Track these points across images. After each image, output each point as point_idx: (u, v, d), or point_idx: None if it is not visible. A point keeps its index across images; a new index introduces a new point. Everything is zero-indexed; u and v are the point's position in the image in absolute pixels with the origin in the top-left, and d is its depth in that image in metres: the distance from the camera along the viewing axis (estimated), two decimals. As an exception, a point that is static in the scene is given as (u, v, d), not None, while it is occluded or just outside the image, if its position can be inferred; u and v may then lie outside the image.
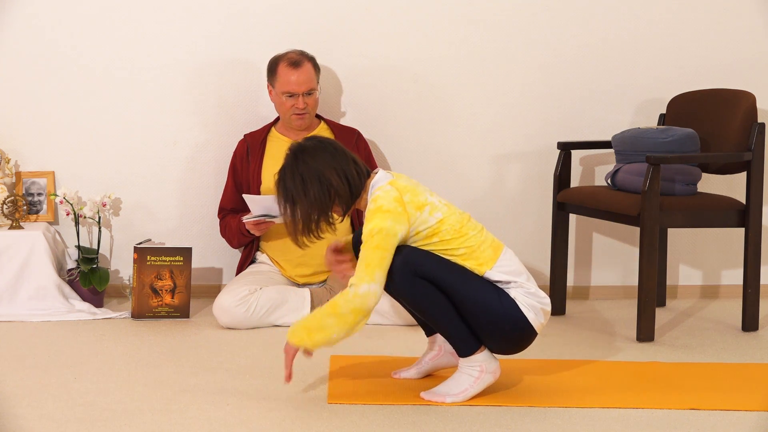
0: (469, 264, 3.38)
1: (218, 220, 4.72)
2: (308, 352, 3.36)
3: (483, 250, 3.39)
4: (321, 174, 3.32)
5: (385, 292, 3.62)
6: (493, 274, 3.39)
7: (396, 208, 3.31)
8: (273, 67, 4.57)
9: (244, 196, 4.41)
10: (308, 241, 3.40)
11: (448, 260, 3.38)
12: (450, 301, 3.36)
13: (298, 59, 4.53)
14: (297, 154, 3.36)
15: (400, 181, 3.39)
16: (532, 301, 3.40)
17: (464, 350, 3.41)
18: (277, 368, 3.79)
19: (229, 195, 4.67)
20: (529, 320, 3.39)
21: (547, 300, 3.44)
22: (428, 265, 3.35)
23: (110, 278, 4.78)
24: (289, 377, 3.36)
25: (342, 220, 3.48)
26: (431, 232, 3.35)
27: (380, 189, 3.35)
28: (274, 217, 4.33)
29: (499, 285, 3.40)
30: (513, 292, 3.39)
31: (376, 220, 3.29)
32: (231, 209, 4.66)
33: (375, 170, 3.45)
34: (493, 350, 3.47)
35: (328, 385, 3.59)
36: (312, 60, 4.57)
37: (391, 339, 4.21)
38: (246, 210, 4.58)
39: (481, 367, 3.41)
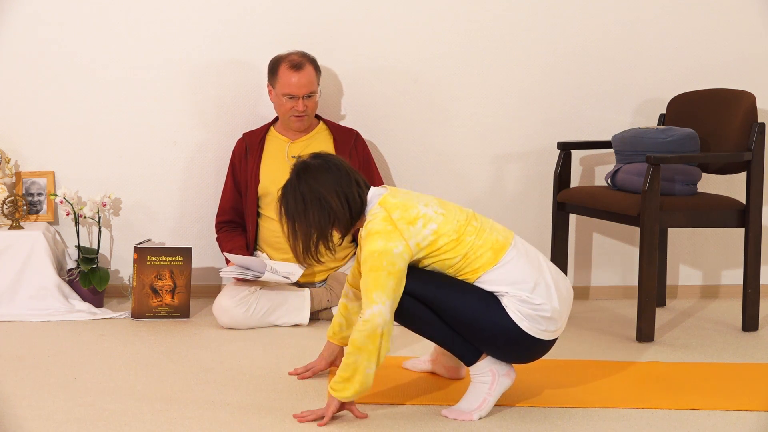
0: (463, 274, 3.31)
1: (216, 224, 4.73)
2: (355, 409, 3.32)
3: (480, 255, 3.30)
4: (322, 197, 3.29)
5: None
6: (483, 284, 3.31)
7: (385, 228, 3.25)
8: (274, 67, 4.57)
9: (228, 255, 4.42)
10: (310, 262, 3.39)
11: (434, 273, 3.32)
12: (439, 316, 3.32)
13: (300, 61, 4.53)
14: (300, 174, 3.33)
15: (391, 199, 3.33)
16: (524, 308, 3.28)
17: (468, 359, 3.36)
18: (277, 368, 3.79)
19: (228, 194, 4.68)
20: (524, 329, 3.28)
21: (547, 305, 3.29)
22: (412, 281, 3.28)
23: (110, 278, 4.78)
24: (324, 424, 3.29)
25: (341, 243, 3.46)
26: (429, 245, 3.28)
27: (370, 213, 3.32)
28: (253, 276, 4.32)
29: (493, 293, 3.32)
30: (504, 300, 3.29)
31: (368, 245, 3.26)
32: (231, 208, 4.67)
33: (368, 189, 3.38)
34: (505, 360, 3.40)
35: (328, 385, 3.58)
36: (313, 62, 4.57)
37: (391, 339, 4.20)
38: (242, 215, 4.65)
39: (491, 372, 3.35)
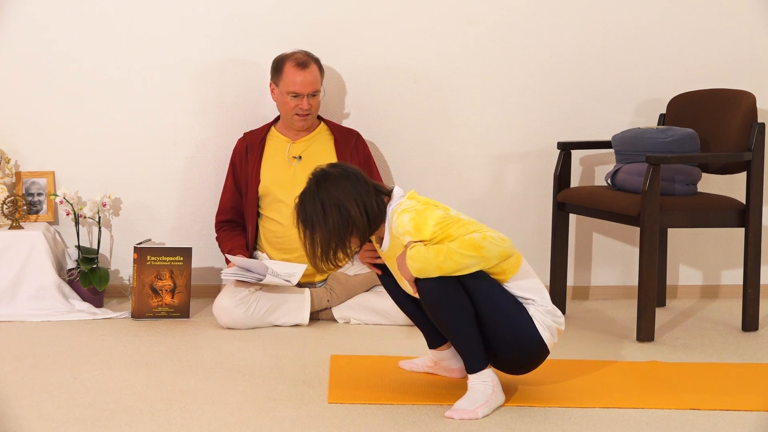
0: (493, 274, 3.36)
1: (216, 223, 4.73)
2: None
3: None
4: (341, 204, 3.31)
5: (389, 295, 3.62)
6: (512, 288, 3.38)
7: (422, 207, 3.33)
8: (279, 65, 4.57)
9: (229, 256, 4.43)
10: (326, 267, 3.41)
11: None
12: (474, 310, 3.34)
13: (305, 60, 4.54)
14: (319, 181, 3.36)
15: (418, 196, 3.41)
16: (548, 320, 3.37)
17: (475, 365, 3.35)
18: (277, 368, 3.79)
19: (228, 193, 4.68)
20: (545, 340, 3.37)
21: (562, 319, 3.42)
22: None
23: (110, 278, 4.78)
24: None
25: (359, 250, 3.48)
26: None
27: (400, 205, 3.36)
28: (254, 279, 4.32)
29: (519, 300, 3.39)
30: (531, 309, 3.37)
31: (402, 216, 3.30)
32: (231, 207, 4.67)
33: (391, 189, 3.44)
34: (503, 369, 3.46)
35: (328, 385, 3.59)
36: (317, 62, 4.58)
37: (391, 339, 4.21)
38: (242, 214, 4.65)
39: (492, 382, 3.36)
